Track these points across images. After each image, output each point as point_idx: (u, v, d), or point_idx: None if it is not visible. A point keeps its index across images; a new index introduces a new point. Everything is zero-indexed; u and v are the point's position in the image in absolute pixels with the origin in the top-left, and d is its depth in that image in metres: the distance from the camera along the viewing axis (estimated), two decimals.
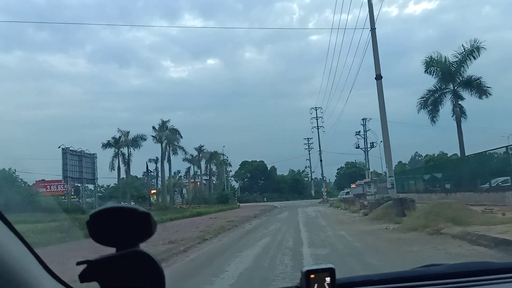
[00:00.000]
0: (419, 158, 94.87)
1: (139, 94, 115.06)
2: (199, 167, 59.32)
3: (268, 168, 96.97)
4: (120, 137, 48.70)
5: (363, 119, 71.57)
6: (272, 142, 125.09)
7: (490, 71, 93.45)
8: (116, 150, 48.58)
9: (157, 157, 54.45)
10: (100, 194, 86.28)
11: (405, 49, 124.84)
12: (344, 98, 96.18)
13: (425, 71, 25.93)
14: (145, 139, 48.36)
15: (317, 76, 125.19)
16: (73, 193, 64.29)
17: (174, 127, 49.80)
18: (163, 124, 48.18)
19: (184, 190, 68.92)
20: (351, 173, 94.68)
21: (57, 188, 57.76)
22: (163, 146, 48.84)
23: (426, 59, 25.93)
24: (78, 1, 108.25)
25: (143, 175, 69.06)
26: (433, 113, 26.56)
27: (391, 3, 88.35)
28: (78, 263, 0.97)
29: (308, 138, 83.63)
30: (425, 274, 1.55)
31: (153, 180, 63.24)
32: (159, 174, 56.51)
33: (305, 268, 1.27)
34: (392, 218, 15.69)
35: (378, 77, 22.07)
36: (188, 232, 17.01)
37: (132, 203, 65.07)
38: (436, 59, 25.73)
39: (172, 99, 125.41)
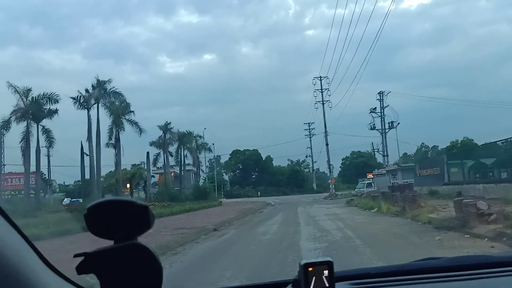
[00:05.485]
0: (425, 149, 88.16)
1: (136, 90, 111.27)
2: (165, 151, 44.60)
3: (263, 158, 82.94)
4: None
5: (379, 93, 57.38)
6: (269, 136, 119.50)
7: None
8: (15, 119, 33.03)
9: (116, 140, 39.74)
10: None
11: (402, 43, 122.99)
12: (339, 92, 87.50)
13: None
14: (57, 101, 32.92)
15: (314, 70, 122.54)
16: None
17: (117, 90, 34.88)
18: (100, 84, 32.97)
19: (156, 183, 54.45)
20: (358, 164, 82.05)
21: (19, 182, 47.51)
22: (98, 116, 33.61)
23: None
24: None
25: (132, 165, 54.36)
26: None
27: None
28: (76, 255, 0.96)
29: (309, 123, 69.73)
30: (424, 267, 1.53)
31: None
32: (118, 161, 41.92)
33: (304, 261, 1.25)
34: None
35: None
36: None
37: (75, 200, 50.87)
38: None
39: (169, 94, 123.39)
